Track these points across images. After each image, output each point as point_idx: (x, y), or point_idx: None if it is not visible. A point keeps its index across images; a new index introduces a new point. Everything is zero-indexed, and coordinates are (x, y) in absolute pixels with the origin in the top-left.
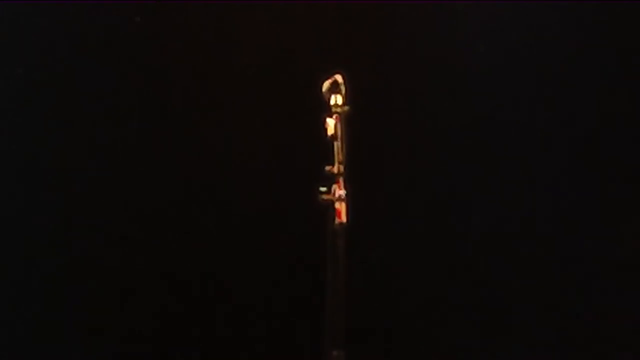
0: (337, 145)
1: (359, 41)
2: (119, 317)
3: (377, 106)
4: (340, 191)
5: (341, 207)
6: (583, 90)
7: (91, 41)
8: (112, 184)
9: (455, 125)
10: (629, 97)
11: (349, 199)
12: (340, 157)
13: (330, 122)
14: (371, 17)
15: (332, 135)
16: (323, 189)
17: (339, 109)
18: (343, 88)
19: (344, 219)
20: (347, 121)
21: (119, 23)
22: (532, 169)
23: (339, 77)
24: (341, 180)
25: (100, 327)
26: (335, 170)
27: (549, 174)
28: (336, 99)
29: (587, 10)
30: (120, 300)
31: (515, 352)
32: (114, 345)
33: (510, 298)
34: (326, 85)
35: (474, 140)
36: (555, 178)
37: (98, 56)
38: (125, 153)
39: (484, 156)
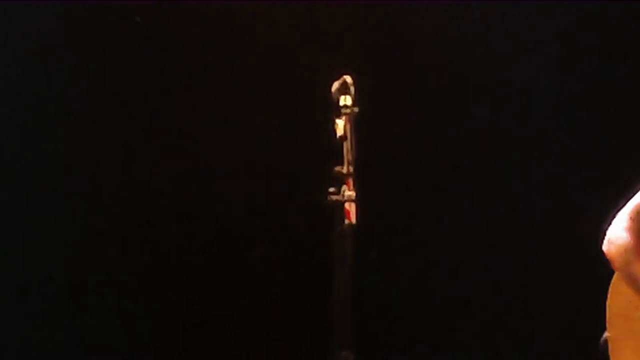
0: (346, 145)
1: (368, 42)
2: (124, 315)
3: (387, 107)
4: (349, 192)
5: (350, 208)
6: (586, 92)
7: (91, 41)
8: (114, 185)
9: (465, 125)
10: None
11: (358, 200)
12: (350, 157)
13: (340, 123)
14: (380, 18)
15: (341, 135)
16: (332, 189)
17: (348, 110)
18: (352, 89)
19: (353, 219)
20: (356, 122)
21: (122, 23)
22: (538, 172)
23: (348, 78)
24: (350, 180)
25: (103, 328)
26: (344, 170)
27: (553, 176)
28: (345, 100)
29: (588, 10)
30: (126, 297)
31: (519, 352)
32: (119, 346)
33: (515, 299)
34: (335, 86)
35: (483, 141)
36: (558, 180)
37: (99, 57)
38: (130, 153)
39: (495, 157)
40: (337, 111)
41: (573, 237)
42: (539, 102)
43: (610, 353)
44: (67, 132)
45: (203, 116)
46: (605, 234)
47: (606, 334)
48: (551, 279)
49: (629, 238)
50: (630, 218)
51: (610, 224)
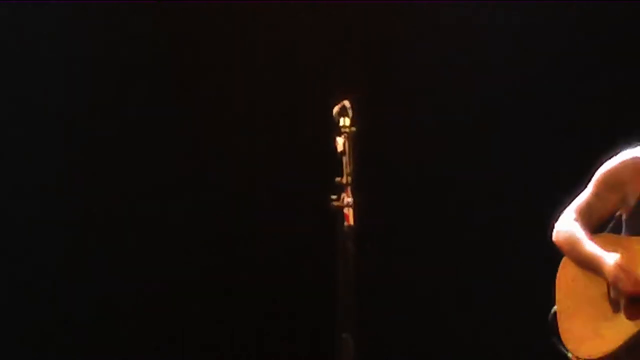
0: (345, 160)
1: (365, 74)
2: (125, 315)
3: (380, 126)
4: (348, 199)
5: (349, 212)
6: (586, 92)
7: (92, 41)
8: (115, 185)
9: (465, 125)
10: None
11: (355, 205)
12: (348, 169)
13: (340, 141)
14: (381, 18)
15: (341, 151)
16: (334, 196)
17: (347, 129)
18: (350, 111)
19: (351, 222)
20: (354, 139)
21: (122, 23)
22: (538, 172)
23: (347, 103)
24: (349, 189)
25: (103, 328)
26: (344, 181)
27: (553, 176)
28: (344, 121)
29: (588, 10)
30: (127, 297)
31: (520, 351)
32: (119, 346)
33: (515, 299)
34: (336, 109)
35: (483, 141)
36: (558, 180)
37: (100, 57)
38: (130, 154)
39: (495, 157)
40: (338, 131)
41: None
42: (539, 102)
43: (559, 324)
44: (67, 132)
45: (206, 117)
46: (553, 228)
47: (555, 308)
48: (551, 279)
49: (575, 225)
50: (576, 212)
51: (557, 219)
